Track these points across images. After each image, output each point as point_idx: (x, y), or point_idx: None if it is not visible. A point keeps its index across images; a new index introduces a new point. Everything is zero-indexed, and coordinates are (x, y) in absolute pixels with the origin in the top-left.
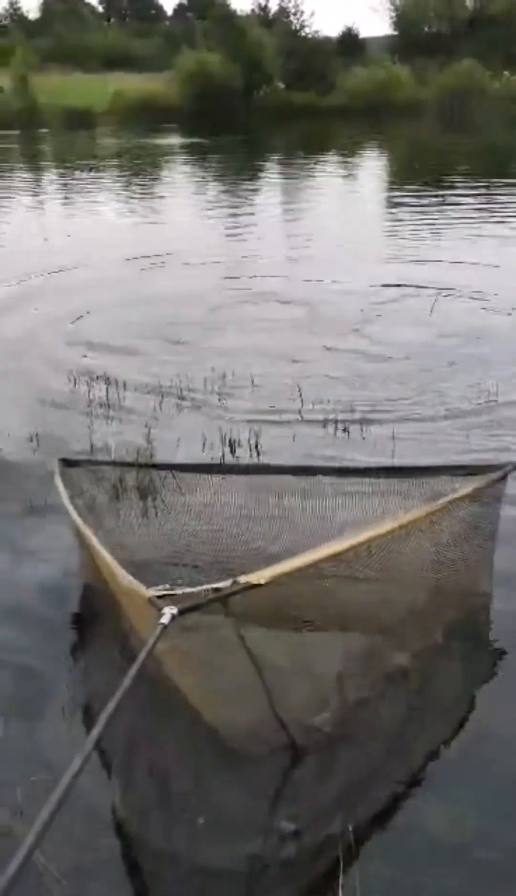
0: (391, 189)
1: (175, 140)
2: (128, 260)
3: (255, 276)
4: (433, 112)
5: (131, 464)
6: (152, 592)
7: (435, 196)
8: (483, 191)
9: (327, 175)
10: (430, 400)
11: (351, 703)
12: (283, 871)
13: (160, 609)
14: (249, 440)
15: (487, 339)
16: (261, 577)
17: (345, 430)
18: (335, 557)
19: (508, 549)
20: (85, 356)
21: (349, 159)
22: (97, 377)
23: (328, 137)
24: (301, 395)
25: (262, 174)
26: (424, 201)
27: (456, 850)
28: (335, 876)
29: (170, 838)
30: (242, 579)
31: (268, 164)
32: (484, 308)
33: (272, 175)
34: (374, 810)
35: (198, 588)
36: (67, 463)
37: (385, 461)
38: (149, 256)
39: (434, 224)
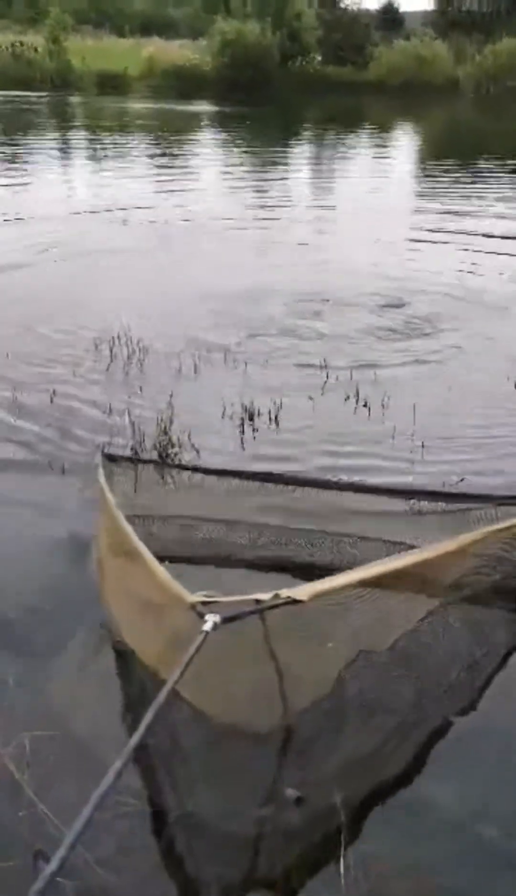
0: (421, 170)
1: (207, 108)
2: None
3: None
4: (470, 92)
5: (172, 464)
6: (195, 598)
7: (465, 178)
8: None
9: (357, 152)
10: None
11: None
12: (286, 839)
13: (203, 616)
14: (269, 410)
15: None
16: (302, 593)
17: (365, 405)
18: (375, 580)
19: None
20: (110, 316)
21: (381, 136)
22: (122, 339)
23: (362, 113)
24: (326, 366)
25: (292, 147)
26: (454, 183)
27: (458, 826)
28: (337, 845)
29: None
30: (284, 593)
31: (298, 138)
32: None
33: (302, 149)
34: (379, 783)
35: (240, 598)
36: (110, 458)
37: (403, 438)
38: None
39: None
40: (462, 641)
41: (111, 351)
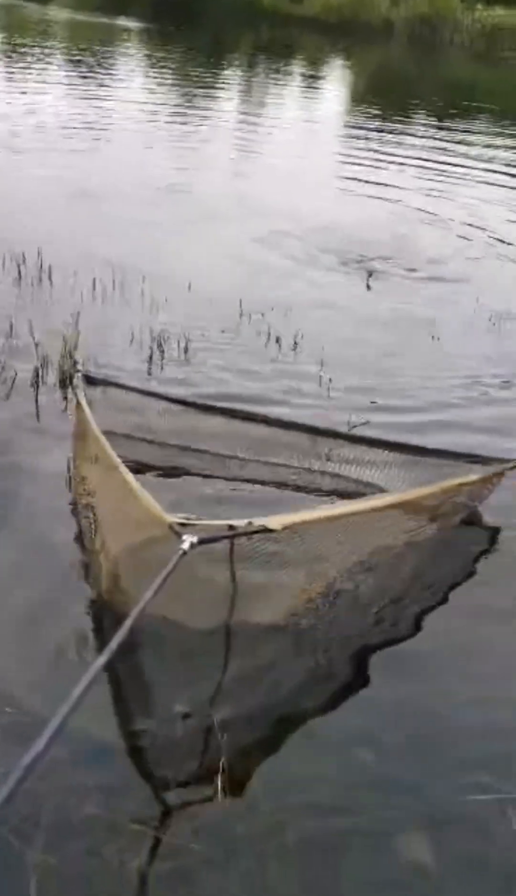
0: (345, 116)
1: (134, 24)
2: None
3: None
4: (402, 37)
5: (150, 392)
6: (174, 519)
7: (387, 129)
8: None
9: (287, 88)
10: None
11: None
12: (168, 752)
13: (181, 536)
14: (179, 340)
15: None
16: (275, 522)
17: (277, 341)
18: (347, 517)
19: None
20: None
21: (312, 74)
22: (30, 259)
23: (295, 47)
24: (241, 305)
25: (220, 76)
26: (376, 133)
27: (337, 749)
28: (216, 762)
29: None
30: (257, 522)
31: (226, 68)
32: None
33: (229, 80)
34: (264, 704)
35: (216, 522)
36: (89, 380)
37: (312, 371)
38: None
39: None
40: (403, 583)
41: (19, 271)
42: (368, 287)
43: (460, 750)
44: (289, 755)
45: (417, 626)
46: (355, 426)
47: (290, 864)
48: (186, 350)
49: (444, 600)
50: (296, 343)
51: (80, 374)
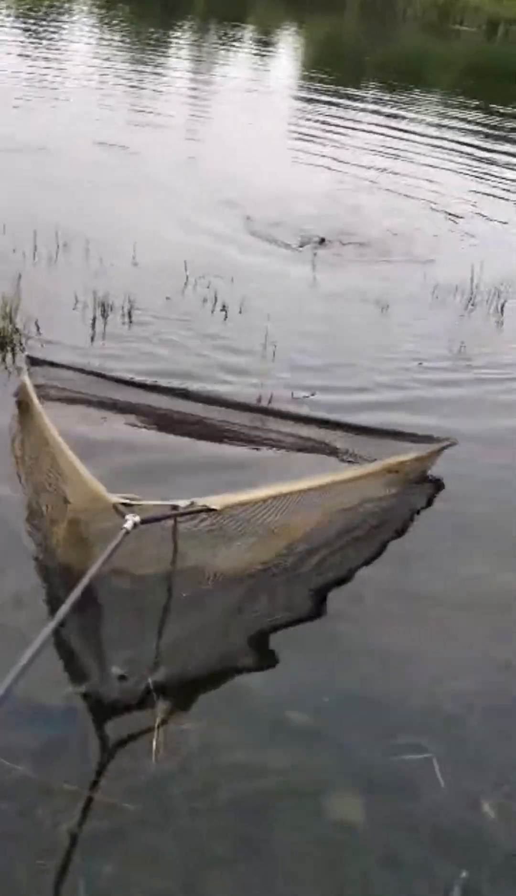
0: (296, 84)
1: None
2: None
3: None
4: (355, 7)
5: (95, 372)
6: (117, 500)
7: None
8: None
9: (239, 54)
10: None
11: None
12: (103, 713)
13: (124, 516)
14: (123, 306)
15: None
16: (216, 502)
17: (223, 308)
18: (285, 496)
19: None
20: None
21: (264, 41)
22: None
23: (246, 12)
24: (187, 271)
25: (171, 39)
26: (326, 103)
27: (270, 711)
28: (152, 722)
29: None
30: (200, 502)
31: (177, 30)
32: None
33: (180, 42)
34: (199, 668)
35: (158, 503)
36: (33, 361)
37: (257, 340)
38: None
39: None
40: (338, 556)
41: None
42: (315, 255)
43: (390, 710)
44: (223, 717)
45: (350, 595)
46: (299, 398)
47: (223, 822)
48: (130, 315)
49: (379, 572)
50: (241, 311)
51: (25, 356)
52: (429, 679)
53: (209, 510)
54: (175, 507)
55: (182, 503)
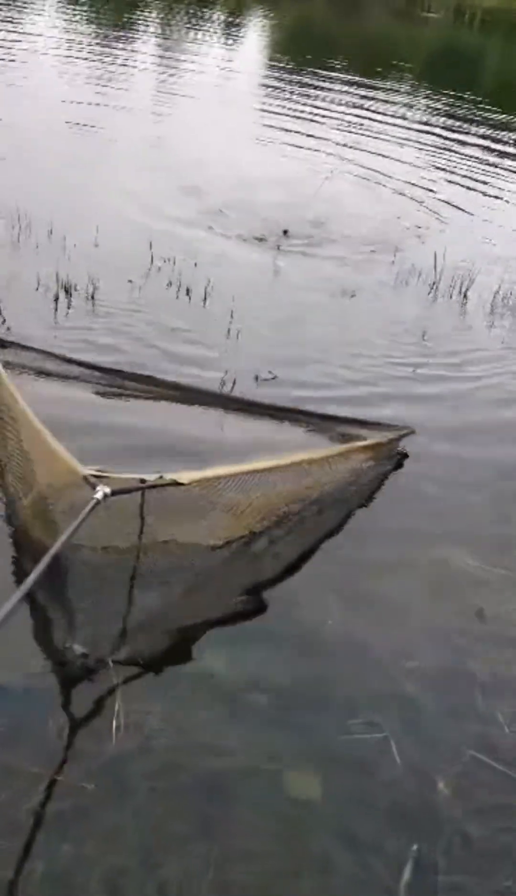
0: (265, 67)
1: None
2: None
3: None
4: None
5: (63, 357)
6: (87, 471)
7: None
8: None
9: (208, 34)
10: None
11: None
12: (64, 693)
13: (94, 487)
14: (86, 288)
15: None
16: (184, 477)
17: (187, 292)
18: (250, 474)
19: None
20: None
21: (234, 23)
22: None
23: None
24: (152, 253)
25: (139, 18)
26: (294, 86)
27: (229, 691)
28: (113, 703)
29: None
30: (168, 476)
31: (145, 9)
32: None
33: (149, 22)
34: (161, 647)
35: (128, 476)
36: (1, 343)
37: (221, 324)
38: None
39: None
40: (298, 534)
41: None
42: (284, 235)
43: (348, 690)
44: (183, 697)
45: (310, 576)
46: (263, 380)
47: (182, 801)
48: (93, 297)
49: (339, 555)
50: (205, 297)
51: None
52: (387, 659)
53: (177, 484)
54: (143, 481)
55: (150, 477)
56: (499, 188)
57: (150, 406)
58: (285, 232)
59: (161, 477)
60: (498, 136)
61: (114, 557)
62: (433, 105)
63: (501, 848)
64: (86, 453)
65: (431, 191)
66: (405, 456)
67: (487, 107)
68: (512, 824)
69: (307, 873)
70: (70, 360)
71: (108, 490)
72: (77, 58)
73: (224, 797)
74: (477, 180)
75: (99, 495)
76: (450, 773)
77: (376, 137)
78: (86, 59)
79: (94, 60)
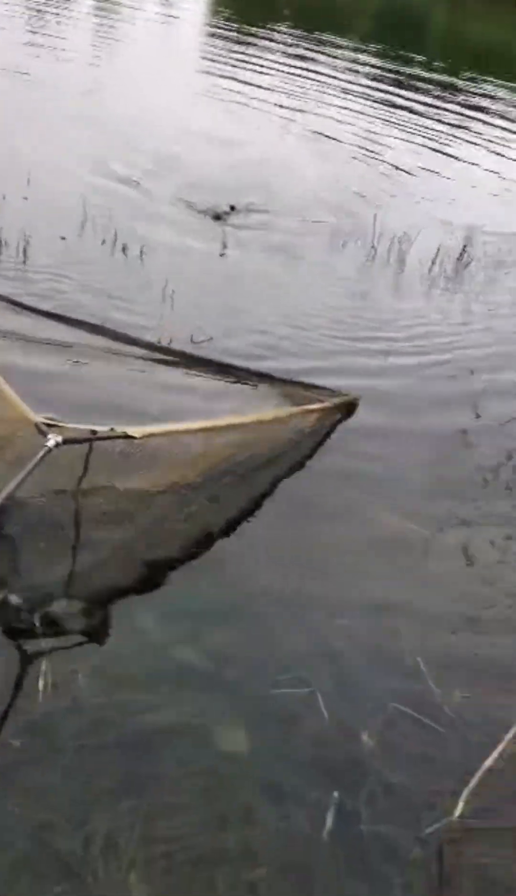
0: (210, 17)
1: None
2: None
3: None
4: None
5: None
6: (39, 419)
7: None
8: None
9: None
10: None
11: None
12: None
13: (46, 435)
14: (18, 242)
15: None
16: (136, 431)
17: (123, 250)
18: (197, 432)
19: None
20: None
21: None
22: None
23: None
24: (85, 209)
25: None
26: (239, 39)
27: (160, 648)
28: (40, 659)
29: None
30: (119, 429)
31: None
32: None
33: None
34: (92, 603)
35: (79, 426)
36: None
37: (157, 284)
38: None
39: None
40: (236, 493)
41: None
42: (231, 210)
43: (278, 648)
44: (112, 654)
45: (245, 536)
46: (198, 342)
47: (110, 758)
48: (25, 252)
49: (274, 515)
50: (141, 255)
51: None
52: (316, 618)
53: (129, 437)
54: (94, 432)
55: (102, 428)
56: (446, 151)
57: (96, 355)
58: (232, 207)
59: (112, 429)
60: (447, 98)
61: (52, 508)
62: (382, 65)
63: (423, 797)
64: (34, 402)
65: (377, 152)
66: (344, 418)
67: (435, 67)
68: (434, 773)
69: (232, 825)
70: (16, 303)
71: (60, 438)
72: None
73: (152, 753)
74: (423, 143)
75: (50, 443)
76: (374, 726)
77: (323, 94)
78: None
79: (27, 4)
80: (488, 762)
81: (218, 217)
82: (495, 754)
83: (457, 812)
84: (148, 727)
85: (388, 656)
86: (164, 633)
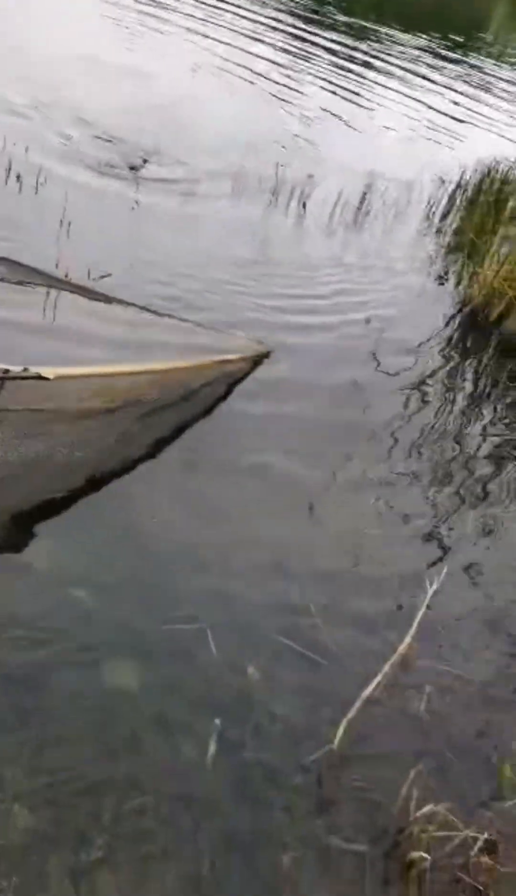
0: None
1: None
2: None
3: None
4: None
5: None
6: None
7: None
8: None
9: None
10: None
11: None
12: None
13: None
14: None
15: None
16: (50, 372)
17: (18, 178)
18: (112, 376)
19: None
20: None
21: None
22: None
23: None
24: None
25: None
26: None
27: (52, 586)
28: None
29: None
30: (33, 369)
31: None
32: None
33: None
34: None
35: None
36: None
37: (52, 219)
38: None
39: None
40: (141, 438)
41: None
42: (143, 163)
43: (170, 587)
44: (2, 589)
45: (144, 478)
46: (96, 278)
47: None
48: None
49: (175, 459)
50: (38, 185)
51: None
52: (210, 557)
53: (41, 377)
54: (7, 371)
55: (15, 368)
56: (356, 98)
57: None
58: (144, 161)
59: (26, 369)
60: (361, 46)
61: None
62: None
63: (305, 725)
64: None
65: (289, 98)
66: (252, 369)
67: (350, 12)
68: (316, 703)
69: (119, 756)
70: None
71: None
72: None
73: (40, 688)
74: (336, 84)
75: None
76: (260, 660)
77: (237, 35)
78: None
79: None
80: (366, 692)
81: (133, 168)
82: (373, 685)
83: (337, 740)
84: (37, 662)
85: (279, 594)
86: (56, 568)
